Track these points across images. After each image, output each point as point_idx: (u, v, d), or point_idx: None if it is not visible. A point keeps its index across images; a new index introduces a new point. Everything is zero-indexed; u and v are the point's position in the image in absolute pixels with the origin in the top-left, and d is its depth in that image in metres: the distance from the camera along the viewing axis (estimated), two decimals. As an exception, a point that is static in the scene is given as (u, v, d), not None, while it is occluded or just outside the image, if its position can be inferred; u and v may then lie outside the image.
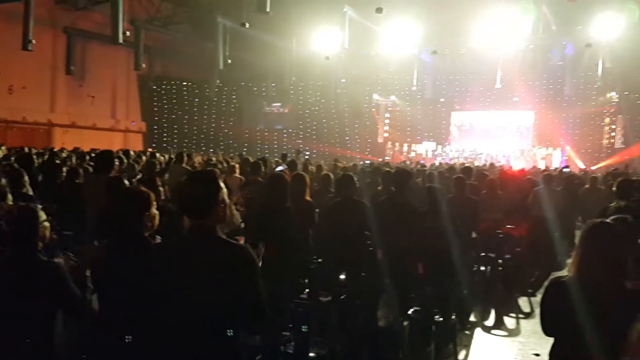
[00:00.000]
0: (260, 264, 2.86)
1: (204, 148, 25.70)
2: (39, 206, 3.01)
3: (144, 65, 21.68)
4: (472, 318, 6.20)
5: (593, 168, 20.35)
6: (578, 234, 2.74)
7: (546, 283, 2.66)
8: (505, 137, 25.67)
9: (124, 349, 2.72)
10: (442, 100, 26.50)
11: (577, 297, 2.40)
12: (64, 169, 7.67)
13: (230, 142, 27.32)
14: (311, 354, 4.24)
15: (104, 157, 5.77)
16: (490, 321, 6.31)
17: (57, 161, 9.43)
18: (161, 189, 5.78)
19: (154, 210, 2.95)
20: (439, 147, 26.35)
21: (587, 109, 23.58)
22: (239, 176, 8.72)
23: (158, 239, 3.22)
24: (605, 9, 17.82)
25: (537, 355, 5.20)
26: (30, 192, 5.34)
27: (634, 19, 17.12)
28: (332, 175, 7.54)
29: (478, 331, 5.95)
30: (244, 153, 17.67)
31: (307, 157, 21.43)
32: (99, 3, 19.99)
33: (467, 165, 13.40)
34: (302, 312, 4.28)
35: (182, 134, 27.22)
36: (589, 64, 21.62)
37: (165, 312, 2.33)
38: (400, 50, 22.06)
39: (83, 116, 22.89)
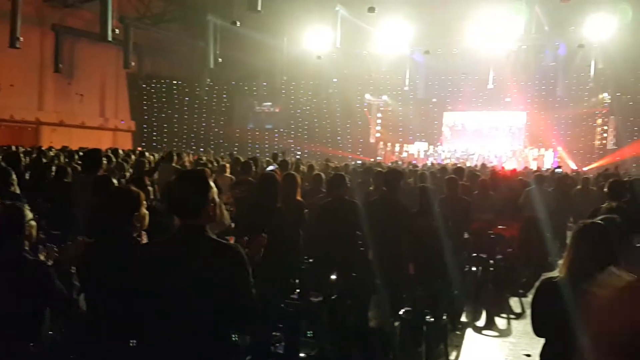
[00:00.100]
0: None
1: (194, 147, 25.57)
2: (26, 205, 2.97)
3: (133, 64, 21.51)
4: (463, 318, 6.21)
5: (585, 169, 20.47)
6: (570, 234, 2.74)
7: (537, 283, 2.66)
8: (497, 137, 25.78)
9: (113, 349, 2.69)
10: (434, 100, 26.55)
11: (568, 297, 2.39)
12: (52, 168, 7.58)
13: (221, 141, 27.20)
14: (301, 354, 4.21)
15: (92, 156, 5.71)
16: (481, 321, 6.32)
17: (45, 160, 9.32)
18: (150, 188, 5.72)
19: (144, 210, 2.92)
20: (431, 147, 26.42)
21: (579, 109, 23.70)
22: (230, 176, 8.67)
23: (146, 238, 3.17)
24: (597, 10, 17.95)
25: (528, 355, 5.20)
26: (18, 191, 5.27)
27: (626, 20, 17.26)
28: (323, 175, 7.51)
29: (469, 331, 5.94)
30: (234, 152, 17.60)
31: (298, 156, 21.39)
32: (88, 0, 19.78)
33: (459, 165, 13.41)
34: (292, 312, 4.25)
35: (172, 133, 27.06)
36: (581, 65, 21.78)
37: (155, 313, 2.31)
38: (393, 49, 22.08)
39: (71, 114, 22.69)
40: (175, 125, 27.19)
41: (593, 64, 21.05)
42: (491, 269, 7.25)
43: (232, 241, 4.78)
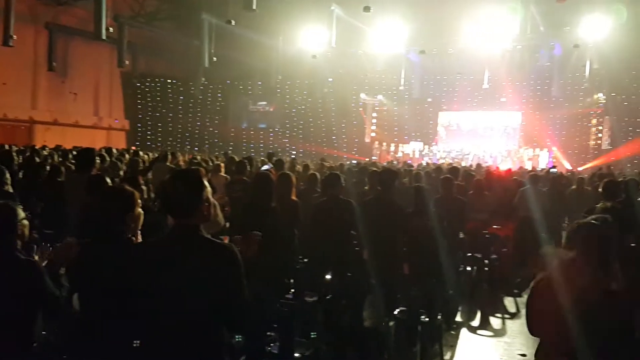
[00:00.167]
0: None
1: (188, 147, 25.51)
2: (19, 204, 2.95)
3: (127, 62, 21.40)
4: (458, 318, 6.20)
5: (580, 169, 20.51)
6: (565, 234, 2.75)
7: (532, 283, 2.65)
8: (492, 137, 25.83)
9: (107, 349, 2.68)
10: (429, 100, 26.57)
11: (562, 297, 2.39)
12: (46, 167, 7.54)
13: (216, 140, 27.15)
14: (296, 355, 4.20)
15: (85, 155, 5.69)
16: (476, 321, 6.32)
17: (37, 159, 9.25)
18: (144, 187, 5.69)
19: (139, 210, 2.89)
20: (426, 147, 26.44)
21: (574, 109, 23.76)
22: (225, 175, 8.65)
23: (140, 238, 3.15)
24: (593, 10, 18.01)
25: (523, 355, 5.21)
26: (11, 190, 5.23)
27: (621, 20, 17.33)
28: (318, 175, 7.49)
29: (464, 331, 5.95)
30: (229, 152, 17.55)
31: (293, 156, 21.37)
32: (82, -2, 19.71)
33: (454, 165, 13.41)
34: (287, 312, 4.23)
35: (167, 132, 26.96)
36: (576, 65, 21.82)
37: (148, 312, 2.30)
38: (388, 49, 22.10)
39: (65, 113, 22.55)
40: (170, 125, 27.08)
41: (588, 64, 21.11)
42: (486, 268, 7.25)
43: (226, 241, 4.76)
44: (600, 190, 5.36)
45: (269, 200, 4.72)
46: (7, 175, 5.24)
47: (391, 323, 4.60)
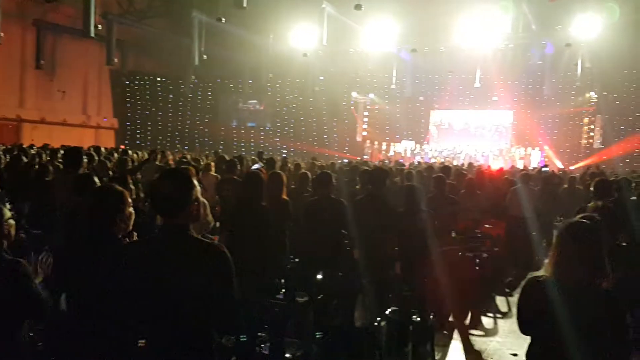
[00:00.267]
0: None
1: (178, 145, 25.37)
2: (7, 204, 2.89)
3: (116, 60, 21.26)
4: (449, 318, 6.18)
5: (572, 168, 20.61)
6: (555, 233, 2.74)
7: (523, 283, 2.63)
8: (484, 136, 25.92)
9: (95, 350, 2.66)
10: (421, 98, 26.58)
11: (554, 296, 2.40)
12: (34, 166, 7.44)
13: (206, 139, 27.00)
14: (287, 355, 4.17)
15: (72, 154, 5.60)
16: (467, 321, 6.29)
17: (25, 158, 9.14)
18: (133, 187, 5.62)
19: (130, 210, 2.85)
20: (418, 146, 26.46)
21: (566, 108, 23.87)
22: (215, 174, 8.59)
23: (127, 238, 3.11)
24: (585, 9, 18.09)
25: (515, 355, 5.20)
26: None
27: (613, 19, 17.42)
28: (309, 174, 7.45)
29: (456, 331, 5.92)
30: (219, 151, 17.46)
31: (284, 155, 21.30)
32: (70, -5, 19.50)
33: (445, 164, 13.43)
34: (278, 312, 4.20)
35: (156, 131, 26.80)
36: (568, 64, 21.90)
37: (138, 313, 2.30)
38: (379, 47, 22.09)
39: (53, 112, 22.34)
40: (159, 123, 26.92)
41: (580, 63, 21.21)
42: (477, 268, 7.23)
43: (216, 240, 4.72)
44: (591, 189, 5.36)
45: (259, 199, 4.68)
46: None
47: (383, 323, 4.57)
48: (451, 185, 7.56)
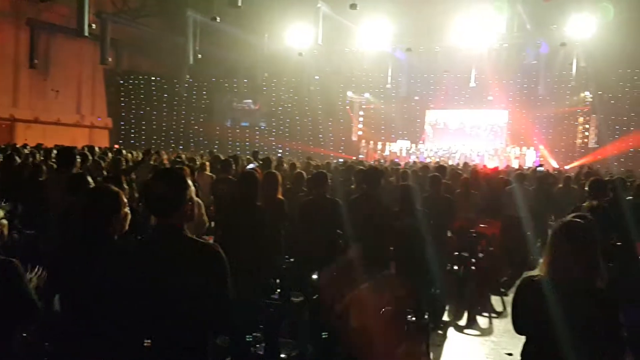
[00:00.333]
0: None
1: (173, 145, 25.25)
2: (3, 202, 2.87)
3: (110, 59, 21.17)
4: (445, 317, 6.19)
5: (567, 167, 20.65)
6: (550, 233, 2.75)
7: (518, 282, 2.63)
8: (479, 136, 25.93)
9: (89, 351, 2.63)
10: (416, 98, 26.57)
11: (548, 295, 2.40)
12: (27, 166, 7.39)
13: (201, 139, 26.89)
14: (282, 355, 4.16)
15: (66, 154, 5.57)
16: (463, 320, 6.32)
17: (18, 158, 9.07)
18: (127, 187, 5.59)
19: (125, 210, 2.84)
20: (413, 145, 26.47)
21: (561, 108, 23.88)
22: (210, 174, 8.56)
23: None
24: (579, 9, 18.14)
25: (510, 354, 5.20)
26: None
27: (608, 18, 17.47)
28: (304, 174, 7.43)
29: (451, 330, 5.94)
30: (214, 150, 17.41)
31: (279, 154, 21.27)
32: (64, -6, 19.40)
33: (441, 164, 13.44)
34: (273, 312, 4.18)
35: (151, 130, 26.66)
36: (563, 63, 21.93)
37: (132, 314, 2.27)
38: (375, 47, 22.10)
39: (47, 111, 22.20)
40: (154, 123, 26.76)
41: (575, 62, 21.24)
42: (473, 267, 7.25)
43: (210, 240, 4.70)
44: (586, 188, 5.37)
45: (254, 199, 4.67)
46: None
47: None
48: (446, 184, 7.56)
